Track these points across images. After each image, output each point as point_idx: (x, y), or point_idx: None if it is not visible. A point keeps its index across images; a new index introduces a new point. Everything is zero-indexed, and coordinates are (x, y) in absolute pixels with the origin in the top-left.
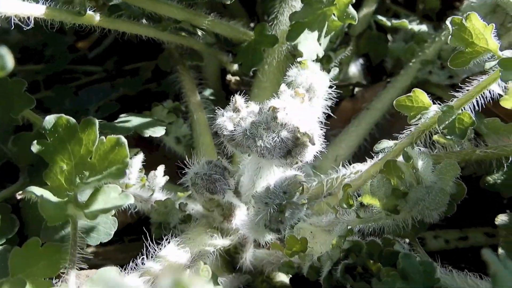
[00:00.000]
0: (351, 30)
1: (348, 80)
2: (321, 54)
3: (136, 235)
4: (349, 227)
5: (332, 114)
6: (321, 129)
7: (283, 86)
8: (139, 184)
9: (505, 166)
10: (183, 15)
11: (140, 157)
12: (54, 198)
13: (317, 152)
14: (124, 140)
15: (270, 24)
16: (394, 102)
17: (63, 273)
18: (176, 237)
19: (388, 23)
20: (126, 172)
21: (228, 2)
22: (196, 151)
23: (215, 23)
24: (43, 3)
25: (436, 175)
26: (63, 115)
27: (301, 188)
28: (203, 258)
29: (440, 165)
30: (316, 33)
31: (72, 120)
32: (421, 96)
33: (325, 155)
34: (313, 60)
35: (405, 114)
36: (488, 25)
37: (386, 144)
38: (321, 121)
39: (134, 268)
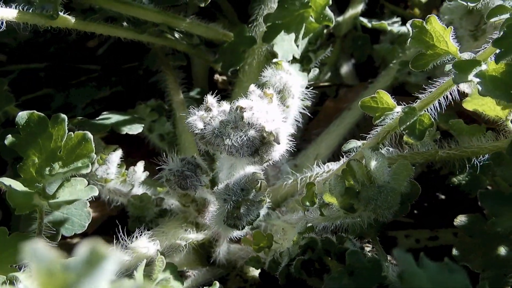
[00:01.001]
0: (337, 31)
1: (339, 80)
2: (297, 55)
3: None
4: (308, 225)
5: (310, 115)
6: (298, 128)
7: (252, 87)
8: (120, 179)
9: (467, 167)
10: (160, 18)
11: (119, 153)
12: (22, 189)
13: (293, 150)
14: (90, 136)
15: (250, 25)
16: (359, 103)
17: None
18: (149, 231)
19: (369, 24)
20: (90, 166)
21: (203, 5)
22: (178, 148)
23: (193, 25)
24: (16, 7)
25: (390, 175)
26: (34, 111)
27: (258, 185)
28: (174, 251)
29: (394, 165)
30: (293, 35)
31: (43, 116)
32: (385, 97)
33: (306, 154)
34: (291, 61)
35: (370, 115)
36: (447, 27)
37: (354, 144)
38: (298, 120)
39: None
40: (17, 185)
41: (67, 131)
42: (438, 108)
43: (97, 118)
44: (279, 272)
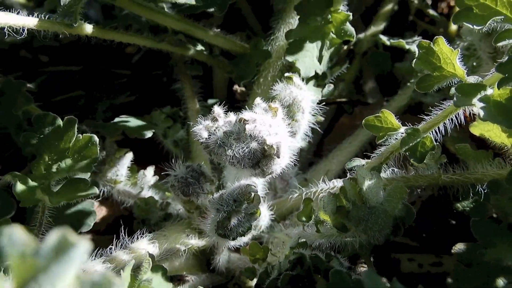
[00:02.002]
0: (357, 48)
1: (356, 96)
2: (319, 71)
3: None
4: (301, 240)
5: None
6: (310, 143)
7: (257, 99)
8: (131, 181)
9: (471, 193)
10: (179, 26)
11: (130, 156)
12: (28, 183)
13: (305, 165)
14: (96, 139)
15: (267, 39)
16: (363, 121)
17: None
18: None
19: (387, 42)
20: (93, 167)
21: (219, 14)
22: (190, 155)
23: (211, 36)
24: (37, 15)
25: (384, 197)
26: (50, 113)
27: (251, 197)
28: (174, 255)
29: (388, 187)
30: (315, 51)
31: (57, 117)
32: (389, 117)
33: (317, 169)
34: (310, 77)
35: (373, 134)
36: (454, 50)
37: (358, 162)
38: (308, 135)
39: (101, 254)
40: (24, 180)
41: (76, 133)
42: (447, 131)
43: (111, 122)
44: (266, 285)
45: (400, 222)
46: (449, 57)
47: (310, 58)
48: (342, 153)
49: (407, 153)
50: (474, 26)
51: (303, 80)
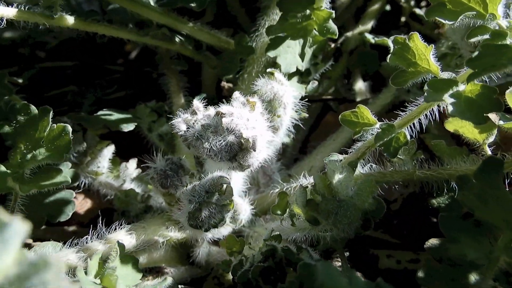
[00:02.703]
0: (344, 46)
1: (342, 94)
2: (301, 67)
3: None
4: (275, 233)
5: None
6: (295, 139)
7: (236, 93)
8: (114, 174)
9: (445, 189)
10: (162, 19)
11: (111, 148)
12: (3, 170)
13: (289, 161)
14: (69, 128)
15: (251, 35)
16: (340, 116)
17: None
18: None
19: (372, 41)
20: (65, 156)
21: (197, 10)
22: (175, 149)
23: (196, 30)
24: (17, 6)
25: (354, 191)
26: (26, 102)
27: (223, 189)
28: (152, 247)
29: (358, 181)
30: (297, 47)
31: (33, 107)
32: (365, 113)
33: (301, 165)
34: (293, 73)
35: (350, 129)
36: (428, 46)
37: (335, 157)
38: (291, 131)
39: (76, 244)
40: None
41: (50, 123)
42: (427, 127)
43: (94, 114)
44: (237, 276)
45: (370, 216)
46: (424, 53)
47: (292, 54)
48: (326, 149)
49: (381, 148)
50: (446, 21)
51: (285, 76)
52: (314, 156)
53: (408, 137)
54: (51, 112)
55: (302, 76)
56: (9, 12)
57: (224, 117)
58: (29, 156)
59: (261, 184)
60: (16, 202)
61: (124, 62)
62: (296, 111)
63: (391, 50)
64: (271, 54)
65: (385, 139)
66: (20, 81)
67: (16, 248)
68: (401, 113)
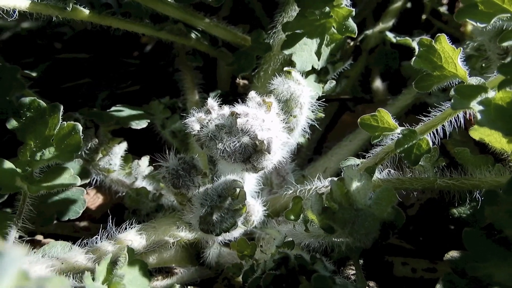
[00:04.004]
0: (364, 44)
1: (361, 93)
2: (317, 66)
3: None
4: (288, 239)
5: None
6: (310, 140)
7: (252, 93)
8: (126, 171)
9: (468, 199)
10: (178, 15)
11: (123, 145)
12: (9, 168)
13: (304, 161)
14: (79, 127)
15: (269, 32)
16: (359, 120)
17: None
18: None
19: (394, 40)
20: (75, 156)
21: (216, 5)
22: (188, 146)
23: (212, 26)
24: None
25: (373, 200)
26: (36, 98)
27: (236, 193)
28: (161, 247)
29: (377, 190)
30: (314, 45)
31: (43, 103)
32: (386, 117)
33: (315, 166)
34: (310, 72)
35: (369, 134)
36: (456, 49)
37: (352, 161)
38: (306, 131)
39: (85, 245)
40: (9, 166)
41: (60, 120)
42: (448, 133)
43: (107, 110)
44: (248, 283)
45: (389, 227)
46: (451, 56)
47: (308, 52)
48: (341, 150)
49: (402, 155)
50: (478, 24)
51: (302, 75)
52: (329, 157)
53: (431, 144)
54: (62, 109)
55: (320, 75)
56: (22, 3)
57: (239, 117)
58: (38, 154)
59: (274, 184)
60: (25, 202)
61: (139, 55)
62: (313, 111)
63: (416, 53)
64: (286, 51)
65: (406, 146)
66: (34, 74)
67: (13, 275)
68: (423, 118)
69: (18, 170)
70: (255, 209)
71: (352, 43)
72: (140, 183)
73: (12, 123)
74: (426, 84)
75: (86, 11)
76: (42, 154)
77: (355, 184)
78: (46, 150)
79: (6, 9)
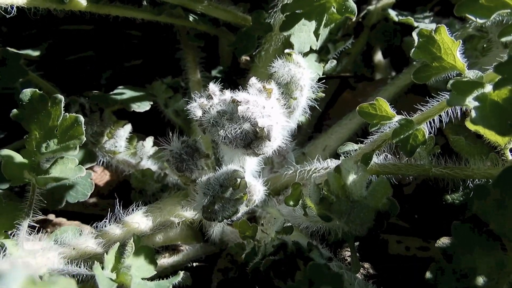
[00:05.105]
0: (366, 21)
1: (361, 71)
2: (315, 46)
3: None
4: (287, 224)
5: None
6: (310, 117)
7: (252, 79)
8: (131, 151)
9: (461, 188)
10: (177, 0)
11: (128, 128)
12: (19, 161)
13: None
14: (81, 119)
15: (270, 11)
16: (357, 108)
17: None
18: (147, 205)
19: (396, 18)
20: (78, 148)
21: None
22: (190, 127)
23: (211, 8)
24: None
25: (369, 191)
26: (37, 90)
27: (237, 183)
28: (167, 227)
29: (373, 182)
30: (312, 25)
31: (44, 95)
32: (384, 105)
33: (315, 144)
34: (310, 51)
35: (367, 121)
36: (456, 41)
37: (350, 147)
38: (307, 111)
39: (95, 229)
40: (18, 158)
41: (62, 112)
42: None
43: (110, 93)
44: (250, 267)
45: (383, 216)
46: (450, 47)
47: (307, 33)
48: (341, 129)
49: (398, 145)
50: (478, 19)
51: (302, 55)
52: (329, 136)
53: (427, 135)
54: (63, 100)
55: (321, 54)
56: None
57: (240, 105)
58: (43, 145)
59: (275, 163)
60: (35, 192)
61: (141, 25)
62: (313, 92)
63: (415, 44)
64: (285, 32)
65: (402, 136)
66: (37, 53)
67: (21, 281)
68: (421, 107)
69: (26, 161)
70: (257, 188)
71: (354, 19)
72: (145, 163)
73: (15, 113)
74: (425, 75)
75: (84, 2)
76: (47, 145)
77: (351, 177)
78: (50, 142)
79: (4, 6)
